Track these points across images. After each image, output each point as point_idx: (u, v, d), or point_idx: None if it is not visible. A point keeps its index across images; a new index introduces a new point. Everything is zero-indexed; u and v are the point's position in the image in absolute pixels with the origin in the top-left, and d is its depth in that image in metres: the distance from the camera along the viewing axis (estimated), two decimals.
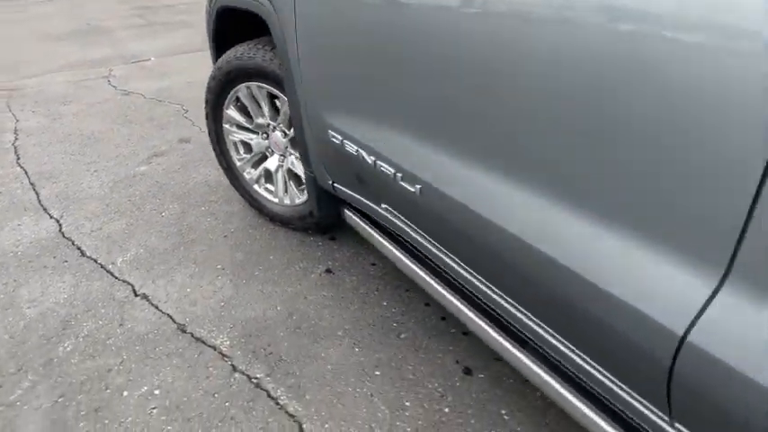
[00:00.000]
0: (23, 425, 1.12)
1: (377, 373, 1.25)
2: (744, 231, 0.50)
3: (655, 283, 0.59)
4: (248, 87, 1.62)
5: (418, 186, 0.91)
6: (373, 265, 1.64)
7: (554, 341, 0.80)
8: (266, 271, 1.61)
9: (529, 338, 0.88)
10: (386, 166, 0.98)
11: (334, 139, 1.15)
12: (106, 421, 1.13)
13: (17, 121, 2.77)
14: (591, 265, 0.67)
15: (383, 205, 1.12)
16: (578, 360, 0.76)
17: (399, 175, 0.96)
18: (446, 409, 1.15)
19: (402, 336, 1.36)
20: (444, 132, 0.86)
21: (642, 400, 0.67)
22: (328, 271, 1.61)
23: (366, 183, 1.13)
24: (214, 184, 2.11)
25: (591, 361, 0.74)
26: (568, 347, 0.77)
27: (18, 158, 2.32)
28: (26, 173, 2.19)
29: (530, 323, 0.84)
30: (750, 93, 0.48)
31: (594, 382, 0.75)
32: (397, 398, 1.18)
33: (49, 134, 2.59)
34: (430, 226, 0.98)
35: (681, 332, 0.55)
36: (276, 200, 1.78)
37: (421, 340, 1.35)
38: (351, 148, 1.09)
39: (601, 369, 0.72)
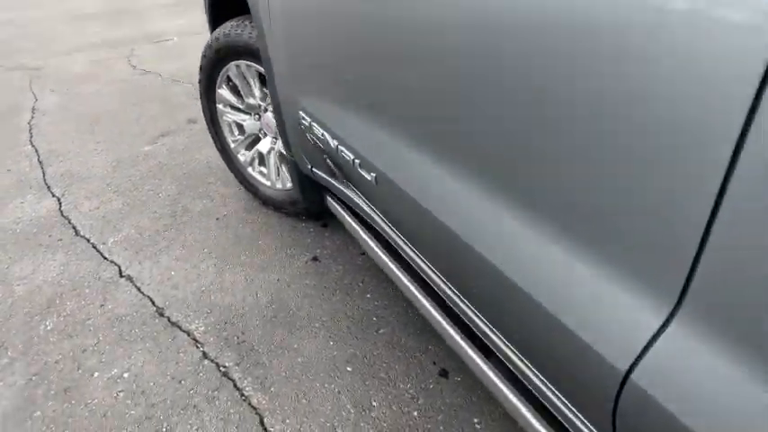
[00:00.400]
0: None
1: (348, 369, 1.19)
2: (696, 261, 0.40)
3: (602, 312, 0.50)
4: (238, 66, 1.56)
5: (373, 174, 0.83)
6: (362, 254, 1.57)
7: (510, 353, 0.71)
8: (253, 256, 1.57)
9: (492, 348, 0.79)
10: (346, 151, 0.90)
11: (304, 121, 1.08)
12: (73, 402, 1.13)
13: (36, 100, 2.84)
14: (531, 276, 0.57)
15: (350, 187, 1.04)
16: (526, 369, 0.67)
17: (358, 161, 0.88)
18: (415, 413, 1.09)
19: (381, 331, 1.30)
20: (398, 121, 0.77)
21: (592, 428, 0.57)
22: (315, 259, 1.56)
23: (332, 167, 1.06)
24: (214, 166, 2.08)
25: (534, 369, 0.65)
26: (518, 356, 0.68)
27: (31, 137, 2.38)
28: (36, 151, 2.24)
29: (487, 330, 0.75)
30: (708, 103, 0.39)
31: (542, 396, 0.66)
32: (365, 397, 1.12)
33: (64, 113, 2.64)
34: (386, 212, 0.91)
35: (624, 369, 0.46)
36: (269, 183, 1.73)
37: (399, 337, 1.28)
38: (318, 131, 1.02)
39: (544, 380, 0.63)
